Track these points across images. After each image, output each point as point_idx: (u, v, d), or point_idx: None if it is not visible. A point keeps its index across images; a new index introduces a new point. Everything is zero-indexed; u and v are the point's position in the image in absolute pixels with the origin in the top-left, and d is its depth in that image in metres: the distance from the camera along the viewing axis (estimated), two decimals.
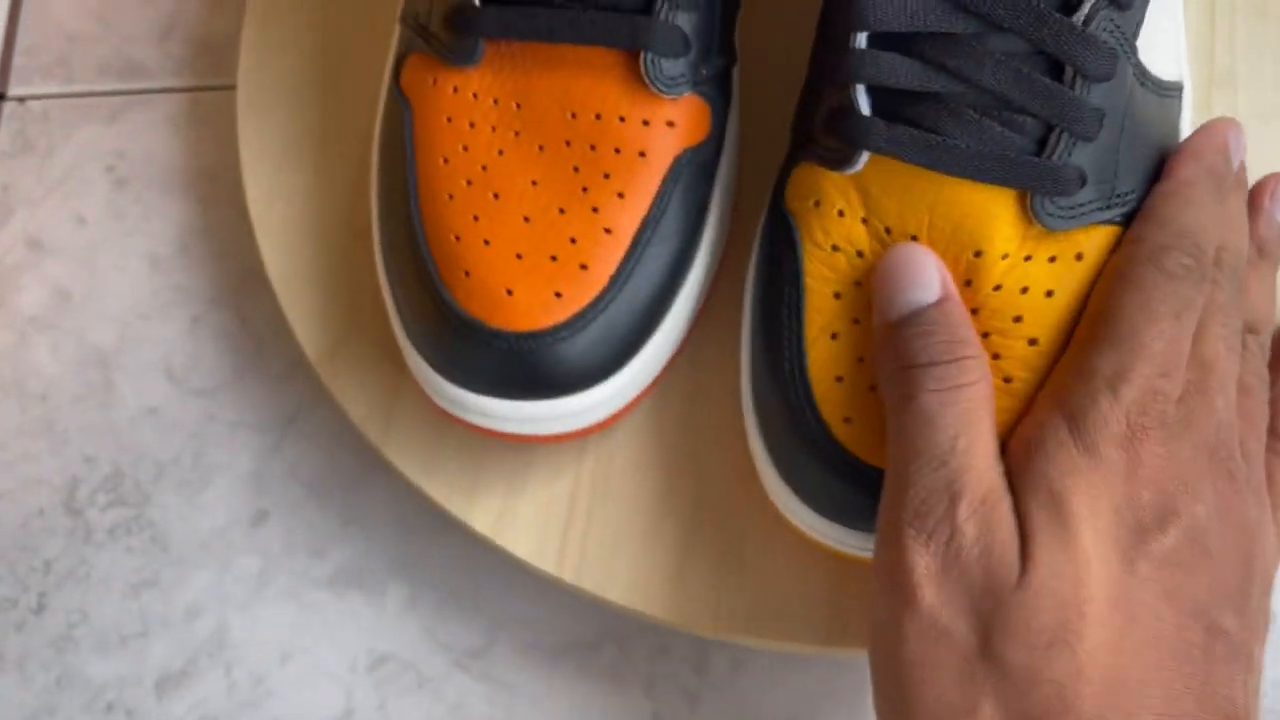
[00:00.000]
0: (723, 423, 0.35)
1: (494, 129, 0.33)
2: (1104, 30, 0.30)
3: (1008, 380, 0.30)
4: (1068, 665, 0.26)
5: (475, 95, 0.33)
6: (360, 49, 0.40)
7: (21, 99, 0.45)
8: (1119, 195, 0.31)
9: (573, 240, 0.32)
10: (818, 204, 0.32)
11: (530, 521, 0.35)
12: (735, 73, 0.36)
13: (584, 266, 0.32)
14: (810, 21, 0.34)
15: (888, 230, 0.31)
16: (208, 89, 0.45)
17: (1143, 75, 0.31)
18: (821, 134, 0.32)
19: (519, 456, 0.35)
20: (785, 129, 0.35)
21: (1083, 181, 0.30)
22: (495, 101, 0.33)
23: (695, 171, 0.33)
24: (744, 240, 0.36)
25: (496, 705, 0.36)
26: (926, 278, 0.30)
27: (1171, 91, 0.33)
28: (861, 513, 0.30)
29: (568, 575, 0.34)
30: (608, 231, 0.32)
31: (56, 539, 0.39)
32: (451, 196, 0.32)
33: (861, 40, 0.30)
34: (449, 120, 0.33)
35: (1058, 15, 0.29)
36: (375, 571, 0.38)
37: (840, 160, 0.31)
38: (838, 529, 0.31)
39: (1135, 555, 0.27)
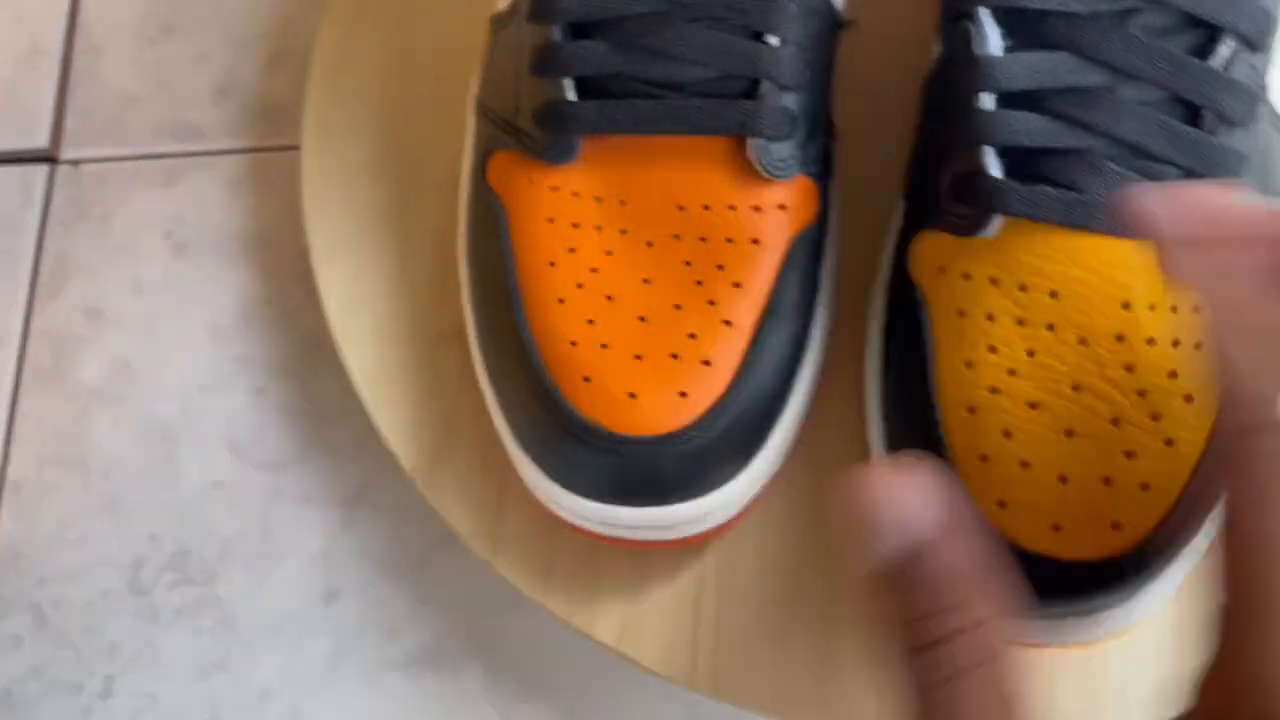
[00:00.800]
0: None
1: (599, 229, 0.32)
2: (1243, 74, 0.29)
3: (1169, 443, 0.28)
4: None
5: (576, 194, 0.32)
6: (429, 131, 0.39)
7: (75, 163, 0.44)
8: None
9: (692, 336, 0.31)
10: (943, 270, 0.31)
11: (657, 629, 0.33)
12: (835, 148, 0.35)
13: (707, 363, 0.30)
14: (879, 87, 0.33)
15: (1023, 288, 0.30)
16: (265, 150, 0.44)
17: (1275, 116, 0.31)
18: (949, 200, 0.31)
19: (637, 561, 0.34)
20: (876, 199, 0.34)
21: None
22: (598, 200, 0.32)
23: (807, 252, 0.32)
24: (845, 315, 0.35)
25: None
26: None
27: None
28: (1039, 601, 0.29)
29: (702, 686, 0.33)
30: (727, 324, 0.31)
31: (123, 620, 0.38)
32: (562, 301, 0.31)
33: (989, 101, 0.30)
34: (550, 221, 0.32)
35: (1197, 62, 0.29)
36: (451, 652, 0.37)
37: (971, 226, 0.30)
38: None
39: None
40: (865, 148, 0.36)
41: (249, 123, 0.44)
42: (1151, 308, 0.29)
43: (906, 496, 0.21)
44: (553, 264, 0.32)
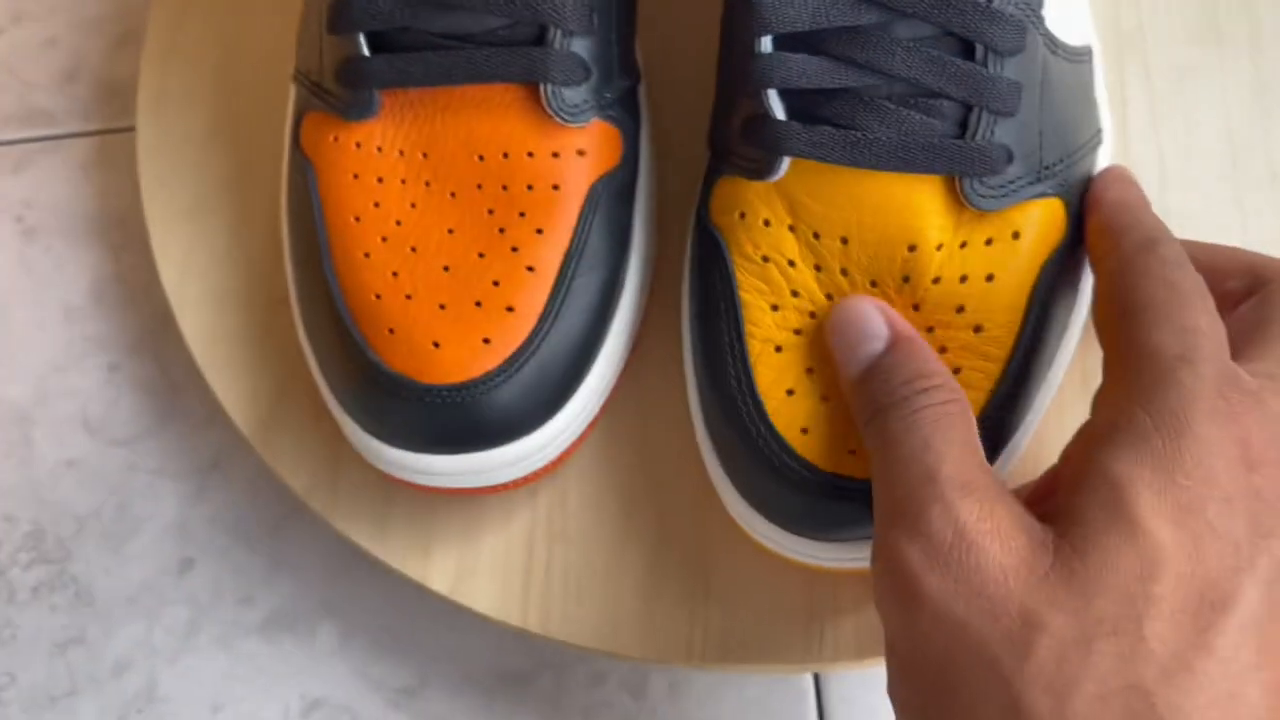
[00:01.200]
0: (675, 449, 0.34)
1: (404, 182, 0.32)
2: (1009, 4, 0.29)
3: (956, 371, 0.30)
4: (1131, 650, 0.24)
5: (380, 149, 0.32)
6: (262, 101, 0.39)
7: None
8: (1047, 168, 0.31)
9: (495, 283, 0.31)
10: (743, 216, 0.31)
11: (489, 576, 0.34)
12: (642, 91, 0.35)
13: (510, 309, 0.31)
14: (713, 30, 0.33)
15: (816, 235, 0.31)
16: (115, 132, 0.44)
17: (1053, 44, 0.31)
18: (739, 144, 0.31)
19: (470, 510, 0.35)
20: (702, 143, 0.34)
21: (1010, 158, 0.30)
22: (401, 153, 0.32)
23: (613, 197, 0.33)
24: (672, 261, 0.35)
25: None
26: (872, 327, 0.30)
27: (1082, 56, 0.33)
28: (830, 524, 0.30)
29: (533, 626, 0.34)
30: (530, 270, 0.31)
31: None
32: (368, 255, 0.32)
33: (767, 44, 0.30)
34: (355, 177, 0.32)
35: None
36: (305, 615, 0.37)
37: (761, 169, 0.31)
38: (807, 543, 0.31)
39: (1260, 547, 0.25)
40: (683, 92, 0.36)
41: (99, 105, 0.44)
42: (939, 247, 0.30)
43: (871, 310, 0.30)
44: (358, 219, 0.32)
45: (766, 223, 0.31)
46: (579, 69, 0.32)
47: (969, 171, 0.30)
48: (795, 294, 0.31)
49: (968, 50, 0.30)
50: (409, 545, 0.35)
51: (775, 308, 0.31)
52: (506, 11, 0.31)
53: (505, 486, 0.32)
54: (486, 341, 0.31)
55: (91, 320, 0.41)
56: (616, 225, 0.33)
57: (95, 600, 0.38)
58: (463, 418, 0.30)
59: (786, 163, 0.30)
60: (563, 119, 0.32)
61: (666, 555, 0.34)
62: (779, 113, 0.30)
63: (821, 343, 0.30)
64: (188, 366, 0.39)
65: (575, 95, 0.32)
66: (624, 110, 0.34)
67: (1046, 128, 0.31)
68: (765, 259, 0.31)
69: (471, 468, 0.31)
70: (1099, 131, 0.33)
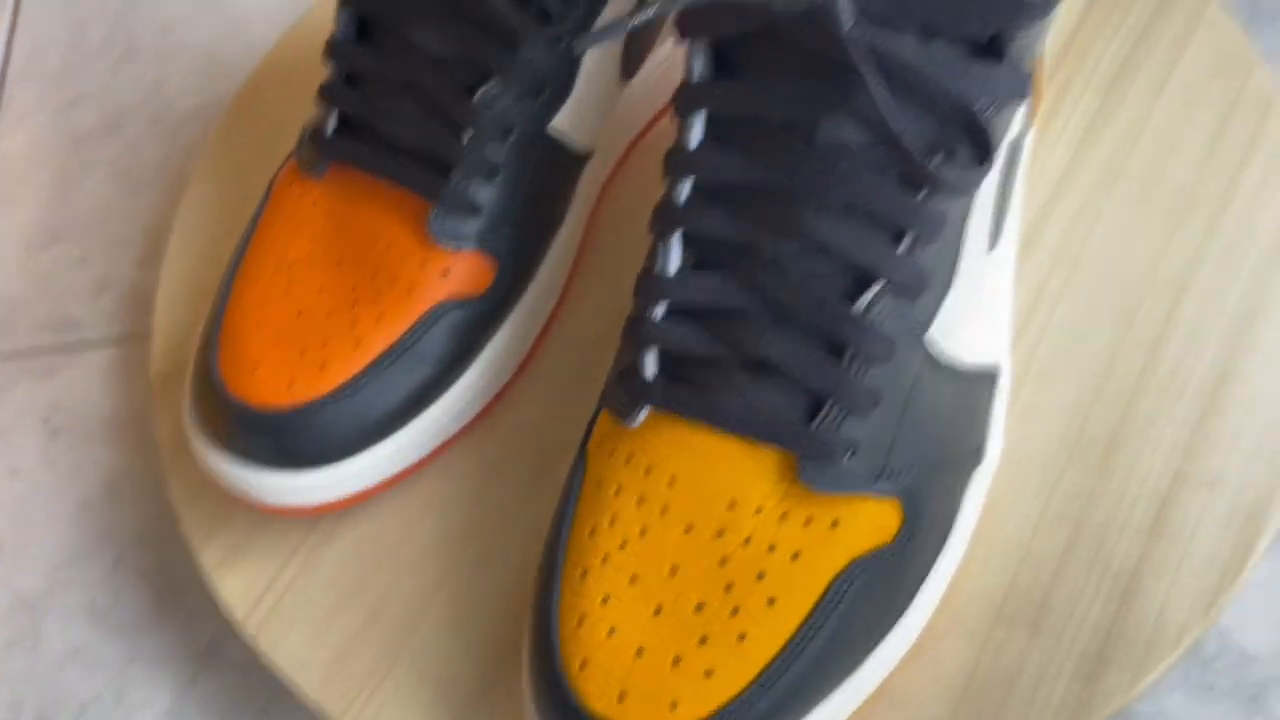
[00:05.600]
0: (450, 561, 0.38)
1: (312, 236, 0.37)
2: (885, 318, 0.30)
3: (741, 638, 0.30)
4: None
5: (314, 204, 0.38)
6: None
7: None
8: (891, 471, 0.31)
9: (324, 343, 0.36)
10: (601, 444, 0.33)
11: (246, 569, 0.38)
12: (551, 256, 0.40)
13: (322, 366, 0.36)
14: None
15: (649, 470, 0.32)
16: (138, 338, 0.47)
17: (935, 362, 0.32)
18: (613, 385, 0.33)
19: (272, 521, 0.39)
20: None
21: (852, 453, 0.31)
22: (326, 213, 0.38)
23: (465, 319, 0.37)
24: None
25: None
26: None
27: (976, 377, 0.33)
28: None
29: (250, 628, 0.38)
30: (356, 345, 0.36)
31: None
32: (258, 280, 0.37)
33: (660, 311, 0.32)
34: (289, 217, 0.38)
35: (834, 303, 0.30)
36: None
37: (625, 411, 0.32)
38: None
39: None
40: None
41: (123, 314, 0.48)
42: (758, 511, 0.31)
43: None
44: (272, 245, 0.38)
45: (612, 453, 0.32)
46: (468, 207, 0.37)
47: (806, 454, 0.30)
48: (612, 522, 0.32)
49: (837, 348, 0.31)
50: (229, 543, 0.39)
51: (592, 532, 0.32)
52: (424, 140, 0.36)
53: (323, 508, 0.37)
54: (289, 384, 0.36)
55: (104, 514, 0.44)
56: (459, 345, 0.37)
57: None
58: (267, 437, 0.36)
59: (647, 410, 0.32)
60: (437, 240, 0.37)
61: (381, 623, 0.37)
62: (652, 368, 0.32)
63: (623, 575, 0.31)
64: (189, 554, 0.42)
65: (459, 227, 0.37)
66: (514, 258, 0.38)
67: (903, 435, 0.31)
68: (599, 483, 0.32)
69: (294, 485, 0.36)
70: (978, 450, 0.34)
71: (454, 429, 0.39)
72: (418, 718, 0.36)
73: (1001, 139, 0.32)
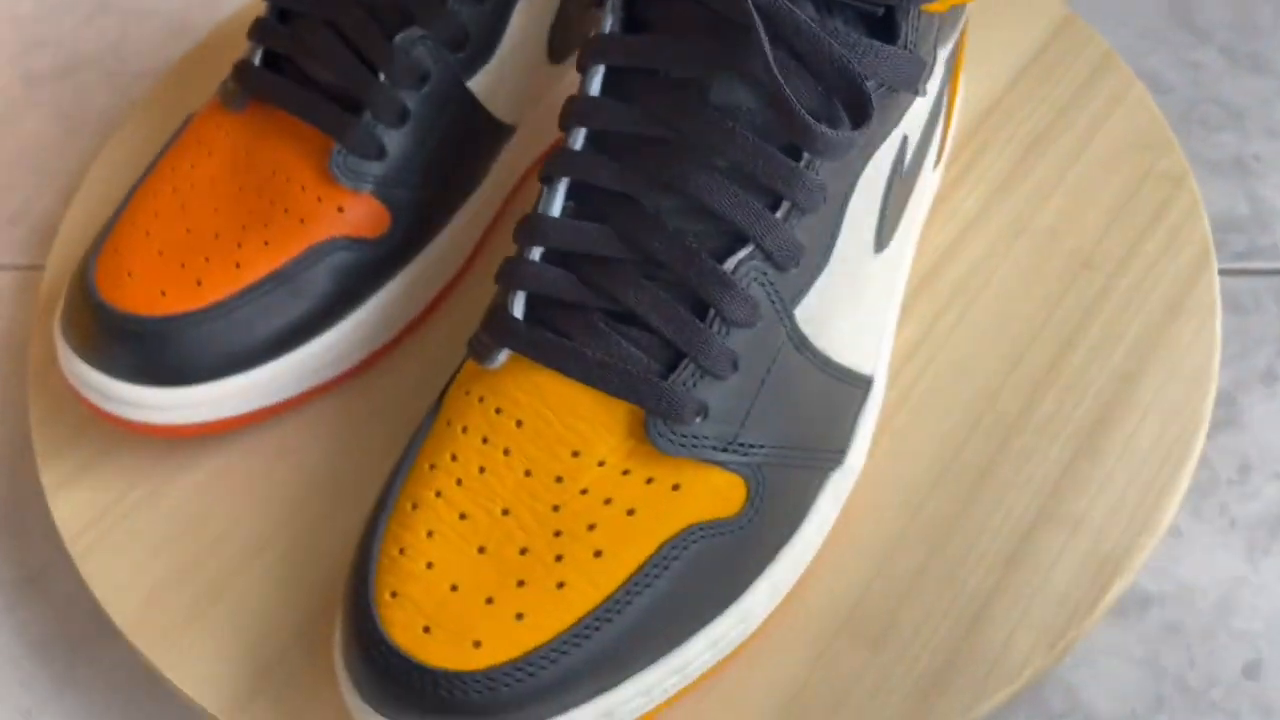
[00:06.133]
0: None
1: (220, 164, 0.37)
2: (751, 280, 0.30)
3: (561, 585, 0.29)
4: None
5: (227, 134, 0.38)
6: None
7: None
8: (742, 444, 0.31)
9: (206, 260, 0.36)
10: (459, 386, 0.32)
11: (87, 491, 0.38)
12: (459, 220, 0.39)
13: (199, 282, 0.36)
14: None
15: (498, 410, 0.31)
16: (42, 269, 0.47)
17: (802, 343, 0.32)
18: (479, 328, 0.32)
19: (124, 445, 0.38)
20: None
21: (702, 416, 0.30)
22: (236, 144, 0.38)
23: (354, 261, 0.37)
24: None
25: None
26: None
27: (849, 379, 0.33)
28: (382, 699, 0.29)
29: (78, 548, 0.36)
30: (237, 266, 0.36)
31: None
32: (155, 196, 0.37)
33: (536, 253, 0.32)
34: (199, 143, 0.38)
35: (705, 257, 0.30)
36: None
37: (485, 353, 0.32)
38: (368, 711, 0.29)
39: None
40: None
41: (34, 244, 0.47)
42: (601, 464, 0.30)
43: None
44: (174, 169, 0.38)
45: (468, 393, 0.32)
46: (374, 149, 0.37)
47: (655, 410, 0.30)
48: (453, 458, 0.31)
49: (702, 308, 0.30)
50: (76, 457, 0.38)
51: (431, 467, 0.31)
52: (341, 75, 0.37)
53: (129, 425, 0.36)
54: (163, 294, 0.35)
55: None
56: (346, 286, 0.37)
57: None
58: (139, 348, 0.35)
59: (505, 355, 0.31)
60: (337, 176, 0.36)
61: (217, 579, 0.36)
62: (518, 311, 0.31)
63: (453, 511, 0.30)
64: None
65: (360, 166, 0.37)
66: (413, 210, 0.38)
67: (758, 409, 0.31)
68: (449, 422, 0.32)
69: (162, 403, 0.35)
70: (840, 452, 0.33)
71: (326, 375, 0.38)
72: (227, 661, 0.34)
73: (891, 126, 0.32)
